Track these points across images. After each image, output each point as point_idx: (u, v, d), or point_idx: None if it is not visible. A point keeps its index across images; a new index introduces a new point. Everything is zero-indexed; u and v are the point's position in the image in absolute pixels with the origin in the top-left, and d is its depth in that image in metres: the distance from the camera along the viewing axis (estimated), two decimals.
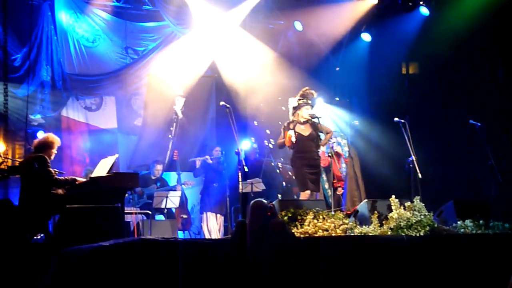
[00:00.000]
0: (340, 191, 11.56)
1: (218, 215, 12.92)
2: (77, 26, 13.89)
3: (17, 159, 11.33)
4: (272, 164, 13.79)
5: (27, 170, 8.63)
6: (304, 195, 10.30)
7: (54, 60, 13.33)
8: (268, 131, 10.42)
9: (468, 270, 8.22)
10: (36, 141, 9.08)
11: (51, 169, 8.73)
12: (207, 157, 13.24)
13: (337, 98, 15.48)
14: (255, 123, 14.40)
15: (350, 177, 11.89)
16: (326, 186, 11.19)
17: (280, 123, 10.78)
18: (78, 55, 13.86)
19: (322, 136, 10.47)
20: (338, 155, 11.72)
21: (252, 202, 7.34)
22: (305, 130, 10.42)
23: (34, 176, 8.54)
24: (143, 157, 13.94)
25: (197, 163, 13.35)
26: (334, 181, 11.05)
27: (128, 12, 14.36)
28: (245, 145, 13.53)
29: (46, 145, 8.94)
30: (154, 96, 14.20)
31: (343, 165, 11.85)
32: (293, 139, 10.23)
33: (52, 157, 8.98)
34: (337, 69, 15.68)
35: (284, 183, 13.70)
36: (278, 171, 13.83)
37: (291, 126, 10.42)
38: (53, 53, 13.33)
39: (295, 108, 10.52)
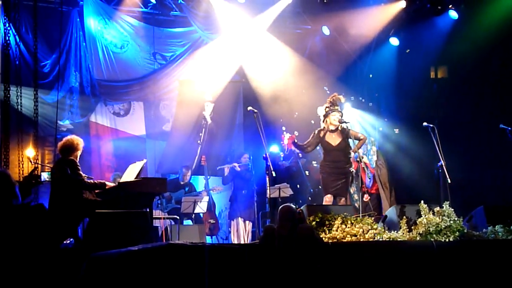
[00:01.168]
0: (366, 198, 11.55)
1: (247, 221, 12.93)
2: (105, 32, 13.98)
3: (47, 165, 11.44)
4: (300, 167, 13.75)
5: (60, 175, 8.68)
6: (326, 200, 10.31)
7: (82, 66, 13.45)
8: (296, 133, 10.42)
9: (499, 277, 8.11)
10: (59, 144, 8.99)
11: (80, 172, 8.79)
12: (235, 164, 13.25)
13: (370, 104, 15.40)
14: (283, 128, 14.37)
15: (378, 187, 11.95)
16: (352, 191, 11.17)
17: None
18: (107, 61, 13.94)
19: (351, 143, 10.46)
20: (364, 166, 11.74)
21: (280, 207, 7.33)
22: (335, 139, 10.44)
23: (65, 181, 8.59)
24: (171, 162, 13.97)
25: (225, 170, 13.35)
26: (363, 186, 11.03)
27: (156, 18, 14.43)
28: (272, 149, 13.55)
29: (71, 148, 8.93)
30: (185, 102, 14.25)
31: (369, 175, 11.88)
32: (285, 141, 10.22)
33: (78, 159, 9.01)
34: (371, 76, 15.59)
35: (311, 189, 13.65)
36: (307, 175, 13.77)
37: (321, 133, 10.46)
38: (81, 59, 13.45)
39: (324, 116, 10.56)
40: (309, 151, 10.83)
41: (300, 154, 13.53)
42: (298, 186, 13.38)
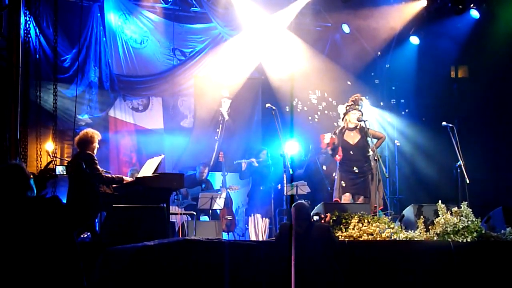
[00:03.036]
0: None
1: (264, 218, 12.92)
2: (125, 28, 14.00)
3: (66, 158, 11.50)
4: (318, 165, 13.72)
5: (75, 170, 8.73)
6: (344, 198, 10.28)
7: (102, 61, 13.48)
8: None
9: None
10: (76, 138, 9.21)
11: (98, 166, 8.84)
12: (253, 160, 13.26)
13: (381, 103, 15.33)
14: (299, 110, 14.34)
15: None
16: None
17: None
18: (126, 56, 13.97)
19: (370, 141, 10.43)
20: None
21: (294, 205, 7.29)
22: (353, 138, 10.47)
23: (82, 176, 8.64)
24: (190, 158, 14.00)
25: (242, 165, 13.38)
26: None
27: (176, 14, 14.45)
28: (294, 148, 13.53)
29: (87, 141, 9.04)
30: (201, 98, 14.28)
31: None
32: (326, 141, 10.27)
33: (95, 151, 9.08)
34: (387, 66, 15.49)
35: (329, 187, 13.62)
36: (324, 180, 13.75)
37: (341, 133, 10.49)
38: (101, 54, 13.48)
39: (344, 114, 10.59)
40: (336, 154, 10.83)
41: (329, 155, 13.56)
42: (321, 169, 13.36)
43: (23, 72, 9.05)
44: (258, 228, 12.57)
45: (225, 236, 12.54)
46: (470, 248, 8.17)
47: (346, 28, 14.95)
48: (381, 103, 15.33)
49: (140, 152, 13.90)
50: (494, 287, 7.97)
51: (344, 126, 10.60)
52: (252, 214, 12.76)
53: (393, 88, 15.50)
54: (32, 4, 10.27)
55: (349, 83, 13.66)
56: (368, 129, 10.54)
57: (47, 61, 12.34)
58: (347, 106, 10.63)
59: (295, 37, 14.59)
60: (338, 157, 10.61)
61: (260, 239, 12.12)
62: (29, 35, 9.37)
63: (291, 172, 9.73)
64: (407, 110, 15.27)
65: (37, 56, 11.01)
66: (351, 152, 10.44)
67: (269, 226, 12.67)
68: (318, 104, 14.48)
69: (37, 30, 11.59)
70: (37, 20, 11.68)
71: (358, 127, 10.54)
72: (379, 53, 15.16)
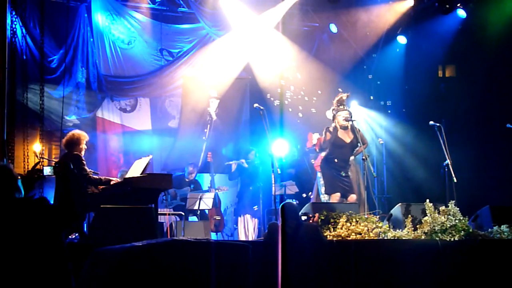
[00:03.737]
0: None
1: (253, 218, 12.94)
2: (113, 28, 13.96)
3: (53, 159, 11.46)
4: (306, 165, 13.74)
5: (63, 171, 8.69)
6: (334, 197, 10.29)
7: (89, 62, 13.44)
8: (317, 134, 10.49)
9: (504, 277, 8.09)
10: (64, 140, 9.17)
11: (85, 167, 8.81)
12: (243, 160, 13.27)
13: (371, 97, 15.35)
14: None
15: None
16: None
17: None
18: (114, 57, 13.93)
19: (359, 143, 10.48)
20: None
21: (282, 204, 7.29)
22: (347, 136, 10.47)
23: (69, 176, 8.61)
24: (178, 159, 13.99)
25: (232, 166, 13.39)
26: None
27: (164, 14, 14.42)
28: (284, 147, 13.53)
29: (73, 142, 9.01)
30: (189, 98, 14.27)
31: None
32: (313, 142, 10.30)
33: (83, 153, 9.05)
34: (370, 76, 15.54)
35: None
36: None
37: (334, 131, 10.50)
38: (88, 55, 13.44)
39: (333, 118, 10.61)
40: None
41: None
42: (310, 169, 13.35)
43: (9, 72, 9.01)
44: (247, 229, 12.58)
45: (213, 236, 12.54)
46: (457, 247, 8.20)
47: (333, 28, 14.97)
48: (371, 97, 15.36)
49: (128, 153, 13.87)
50: (481, 285, 8.01)
51: (336, 126, 10.62)
52: (241, 215, 12.78)
53: (379, 82, 15.51)
54: (19, 5, 10.25)
55: (340, 89, 13.66)
56: (359, 130, 10.61)
57: (34, 62, 12.29)
58: (333, 109, 10.66)
59: (282, 37, 14.58)
60: (318, 161, 10.67)
61: (250, 239, 12.13)
62: (15, 36, 9.34)
63: (279, 172, 9.73)
64: (389, 111, 15.30)
65: (24, 57, 10.96)
66: (343, 151, 10.47)
67: (258, 226, 12.69)
68: (306, 104, 14.48)
69: (24, 31, 11.54)
70: (23, 20, 11.64)
71: (348, 126, 10.57)
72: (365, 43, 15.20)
